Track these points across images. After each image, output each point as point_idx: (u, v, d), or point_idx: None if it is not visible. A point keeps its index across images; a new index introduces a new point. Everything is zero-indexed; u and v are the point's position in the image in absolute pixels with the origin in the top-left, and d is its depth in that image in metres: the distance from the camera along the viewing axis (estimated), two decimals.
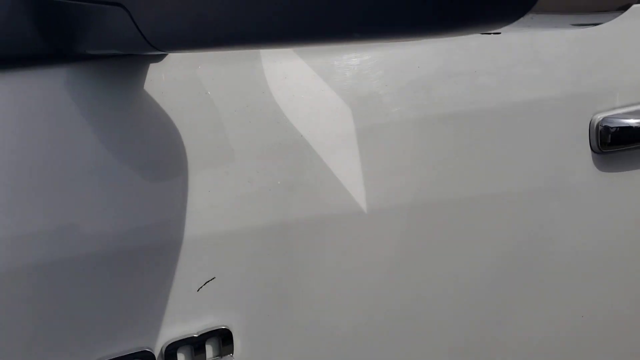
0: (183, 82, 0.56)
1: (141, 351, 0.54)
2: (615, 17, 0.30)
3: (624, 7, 0.29)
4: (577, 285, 0.79)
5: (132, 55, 0.53)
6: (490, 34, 0.28)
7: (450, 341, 0.72)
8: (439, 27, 0.26)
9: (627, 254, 0.83)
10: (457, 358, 0.73)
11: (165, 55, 0.55)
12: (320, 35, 0.31)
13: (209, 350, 0.57)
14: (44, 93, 0.50)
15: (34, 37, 0.49)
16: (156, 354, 0.55)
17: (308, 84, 0.61)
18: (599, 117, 0.78)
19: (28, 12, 0.48)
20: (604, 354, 0.84)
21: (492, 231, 0.73)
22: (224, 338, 0.58)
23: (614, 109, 0.78)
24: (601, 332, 0.83)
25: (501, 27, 0.26)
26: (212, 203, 0.56)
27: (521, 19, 0.25)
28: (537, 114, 0.74)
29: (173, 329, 0.56)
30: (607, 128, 0.78)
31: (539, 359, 0.78)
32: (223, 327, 0.57)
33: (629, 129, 0.79)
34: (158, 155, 0.54)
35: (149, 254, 0.54)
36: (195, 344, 0.56)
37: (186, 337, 0.56)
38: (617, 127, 0.78)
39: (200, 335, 0.56)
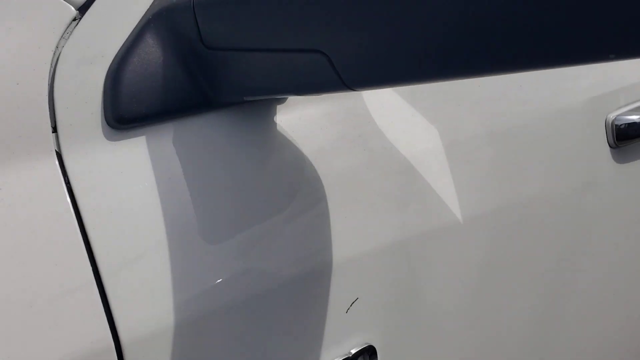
0: (305, 119, 0.60)
1: None
2: None
3: None
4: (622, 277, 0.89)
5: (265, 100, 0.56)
6: None
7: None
8: None
9: None
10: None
11: (287, 98, 0.59)
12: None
13: None
14: (204, 137, 0.53)
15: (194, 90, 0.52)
16: None
17: (399, 109, 0.67)
18: (612, 116, 0.89)
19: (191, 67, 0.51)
20: None
21: (549, 227, 0.81)
22: (370, 354, 0.61)
23: (620, 107, 0.90)
24: None
25: None
26: (347, 227, 0.60)
27: None
28: (562, 119, 0.84)
29: (330, 351, 0.58)
30: (617, 125, 0.89)
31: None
32: (369, 345, 0.61)
33: (633, 124, 0.91)
34: (298, 185, 0.58)
35: (302, 283, 0.57)
36: None
37: (344, 357, 0.58)
38: (624, 124, 0.90)
39: (354, 354, 0.59)
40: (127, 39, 0.51)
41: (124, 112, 0.50)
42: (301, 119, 0.60)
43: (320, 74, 0.45)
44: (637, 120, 0.88)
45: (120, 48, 0.50)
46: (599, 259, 0.89)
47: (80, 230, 0.46)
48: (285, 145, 0.58)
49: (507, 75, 0.73)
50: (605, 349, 0.92)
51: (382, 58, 0.42)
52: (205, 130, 0.54)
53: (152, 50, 0.51)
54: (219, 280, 0.52)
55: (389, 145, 0.65)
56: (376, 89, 0.54)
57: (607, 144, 0.89)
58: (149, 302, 0.47)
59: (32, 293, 0.43)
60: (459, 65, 0.40)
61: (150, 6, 0.52)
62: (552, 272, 0.81)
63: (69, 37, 0.49)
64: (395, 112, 0.67)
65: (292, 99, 0.60)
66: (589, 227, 0.87)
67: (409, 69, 0.42)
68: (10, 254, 0.43)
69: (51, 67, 0.48)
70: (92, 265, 0.46)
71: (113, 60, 0.50)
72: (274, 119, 0.58)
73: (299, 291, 0.57)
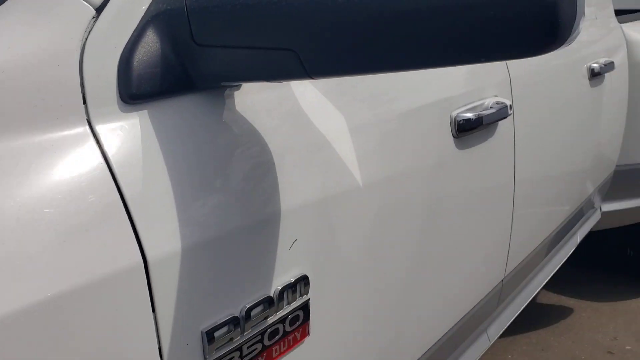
0: (253, 102, 0.79)
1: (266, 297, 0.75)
2: None
3: None
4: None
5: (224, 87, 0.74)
6: None
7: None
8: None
9: (482, 200, 1.25)
10: None
11: (242, 85, 0.77)
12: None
13: (298, 291, 0.80)
14: (188, 112, 0.70)
15: (181, 75, 0.69)
16: (272, 294, 0.76)
17: (317, 101, 0.89)
18: (454, 113, 1.18)
19: (179, 56, 0.68)
20: None
21: (416, 194, 1.07)
22: (305, 282, 0.81)
23: (460, 107, 1.20)
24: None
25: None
26: (286, 186, 0.79)
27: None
28: (421, 116, 1.12)
29: (278, 279, 0.77)
30: (458, 121, 1.18)
31: None
32: (304, 274, 0.81)
33: (469, 120, 1.21)
34: (249, 152, 0.76)
35: (259, 227, 0.75)
36: (292, 287, 0.79)
37: (286, 284, 0.78)
38: (462, 120, 1.19)
39: (293, 282, 0.79)
40: (132, 34, 0.66)
41: (133, 91, 0.65)
42: (252, 102, 0.78)
43: (290, 66, 0.64)
44: (472, 117, 1.19)
45: (128, 41, 0.66)
46: (451, 217, 1.18)
47: (108, 169, 0.61)
48: (239, 120, 0.76)
49: (392, 75, 0.97)
50: (460, 281, 1.21)
51: (332, 55, 0.63)
52: (189, 106, 0.70)
53: (153, 44, 0.67)
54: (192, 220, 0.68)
55: (311, 125, 0.86)
56: (330, 77, 0.75)
57: (451, 135, 1.18)
58: (169, 223, 0.63)
59: (72, 219, 0.57)
60: (373, 63, 0.61)
61: (149, 8, 0.68)
62: (420, 226, 1.07)
63: (90, 32, 0.64)
64: (313, 103, 0.88)
65: (244, 87, 0.78)
66: (441, 195, 1.15)
67: (349, 64, 0.63)
68: (56, 188, 0.57)
69: (80, 54, 0.62)
70: (119, 194, 0.61)
71: (123, 51, 0.65)
72: (234, 101, 0.76)
73: (256, 234, 0.75)
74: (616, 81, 2.29)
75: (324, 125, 0.88)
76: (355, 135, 0.93)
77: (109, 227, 0.59)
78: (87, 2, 0.64)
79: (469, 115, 1.19)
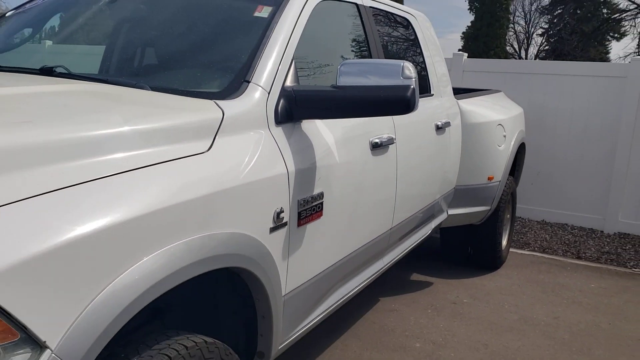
0: (312, 126, 2.14)
1: (309, 196, 2.09)
2: None
3: None
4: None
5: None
6: None
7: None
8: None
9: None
10: None
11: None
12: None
13: (319, 197, 2.14)
14: (292, 129, 2.05)
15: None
16: (313, 194, 2.09)
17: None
18: (371, 139, 2.59)
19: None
20: None
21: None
22: (322, 195, 2.15)
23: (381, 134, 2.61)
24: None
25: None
26: None
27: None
28: (360, 139, 2.51)
29: (316, 191, 2.11)
30: (375, 143, 2.59)
31: None
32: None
33: (377, 143, 2.62)
34: (318, 144, 2.11)
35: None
36: (318, 195, 2.12)
37: (318, 193, 2.12)
38: (374, 142, 2.60)
39: (318, 193, 2.13)
40: (278, 101, 1.99)
41: (279, 120, 1.98)
42: (311, 125, 2.13)
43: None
44: (378, 141, 2.60)
45: (277, 103, 1.99)
46: (374, 189, 2.57)
47: (278, 149, 1.93)
48: (310, 130, 2.10)
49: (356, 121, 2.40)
50: (381, 213, 2.60)
51: (334, 112, 2.02)
52: (293, 126, 2.04)
53: (283, 104, 2.00)
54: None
55: (337, 125, 2.22)
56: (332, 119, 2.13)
57: (369, 149, 2.58)
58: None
59: (264, 173, 1.89)
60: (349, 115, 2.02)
61: (283, 87, 2.02)
62: (365, 184, 2.45)
63: (267, 102, 1.97)
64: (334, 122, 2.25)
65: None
66: (369, 177, 2.54)
67: (340, 115, 2.03)
68: (259, 157, 1.89)
69: (266, 109, 1.96)
70: (285, 165, 1.93)
71: (275, 106, 1.98)
72: (305, 125, 2.10)
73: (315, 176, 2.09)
74: (454, 134, 3.85)
75: (340, 134, 2.24)
76: (349, 144, 2.29)
77: (277, 182, 1.91)
78: (218, 106, 1.98)
79: (377, 140, 2.60)
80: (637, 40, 25.02)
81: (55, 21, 2.49)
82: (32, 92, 1.68)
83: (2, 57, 2.40)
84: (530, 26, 34.25)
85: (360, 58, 2.78)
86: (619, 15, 24.95)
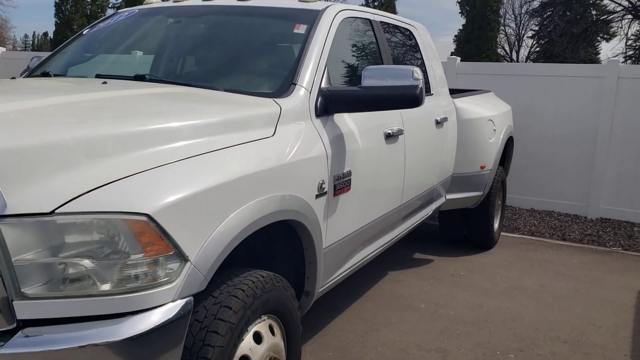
0: (343, 117, 2.73)
1: (341, 173, 2.68)
2: None
3: None
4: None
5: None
6: None
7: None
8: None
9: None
10: None
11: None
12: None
13: (347, 175, 2.73)
14: (327, 120, 2.64)
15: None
16: (343, 172, 2.68)
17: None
18: (385, 130, 3.18)
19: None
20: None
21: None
22: (349, 173, 2.74)
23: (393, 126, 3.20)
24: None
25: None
26: None
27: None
28: (378, 131, 3.11)
29: (346, 169, 2.70)
30: (388, 134, 3.18)
31: None
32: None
33: (389, 134, 3.21)
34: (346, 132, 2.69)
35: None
36: (348, 173, 2.71)
37: (347, 170, 2.71)
38: (387, 133, 3.20)
39: (347, 171, 2.72)
40: (317, 98, 2.58)
41: (318, 113, 2.57)
42: (341, 116, 2.72)
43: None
44: (390, 132, 3.19)
45: (317, 99, 2.58)
46: (389, 172, 3.16)
47: (319, 136, 2.52)
48: (339, 120, 2.69)
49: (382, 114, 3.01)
50: (393, 193, 3.20)
51: (360, 106, 2.62)
52: (329, 118, 2.63)
53: (321, 100, 2.59)
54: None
55: (361, 118, 2.81)
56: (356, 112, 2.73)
57: (384, 139, 3.17)
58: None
59: (311, 152, 2.48)
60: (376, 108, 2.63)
61: (320, 87, 2.61)
62: (385, 170, 3.04)
63: (309, 101, 2.55)
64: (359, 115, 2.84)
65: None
66: (384, 162, 3.13)
67: (365, 109, 2.63)
68: (304, 140, 2.48)
69: (309, 106, 2.55)
70: (324, 147, 2.52)
71: (316, 102, 2.57)
72: (337, 117, 2.69)
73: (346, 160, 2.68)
74: (451, 128, 4.45)
75: (361, 124, 2.83)
76: (368, 133, 2.88)
77: (319, 160, 2.50)
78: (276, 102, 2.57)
79: (389, 131, 3.19)
80: (625, 41, 25.78)
81: (140, 39, 3.08)
82: (147, 93, 2.29)
83: (99, 68, 2.99)
84: (521, 28, 35.03)
85: (373, 64, 3.38)
86: (607, 17, 25.64)
